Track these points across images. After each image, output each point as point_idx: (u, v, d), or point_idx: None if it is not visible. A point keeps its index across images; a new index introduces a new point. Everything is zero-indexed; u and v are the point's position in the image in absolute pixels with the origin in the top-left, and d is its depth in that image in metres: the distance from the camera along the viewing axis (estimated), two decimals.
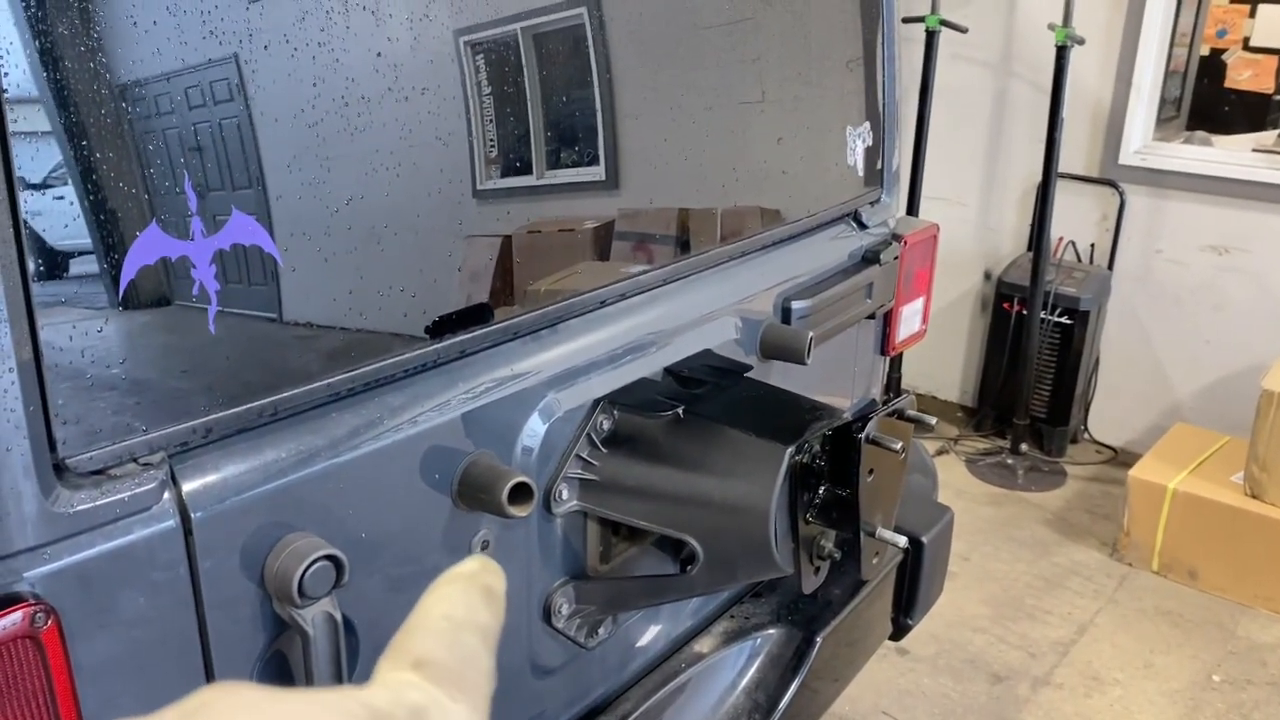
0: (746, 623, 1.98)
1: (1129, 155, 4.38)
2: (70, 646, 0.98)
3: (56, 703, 0.98)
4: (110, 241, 0.98)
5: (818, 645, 1.94)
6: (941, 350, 5.03)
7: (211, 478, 1.09)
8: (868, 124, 2.07)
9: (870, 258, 2.11)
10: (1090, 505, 4.23)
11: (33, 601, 0.95)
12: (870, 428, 1.37)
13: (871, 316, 2.17)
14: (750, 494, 1.40)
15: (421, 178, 1.24)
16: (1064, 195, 4.47)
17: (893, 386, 4.94)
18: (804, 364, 1.79)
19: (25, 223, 0.91)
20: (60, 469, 0.98)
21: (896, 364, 4.93)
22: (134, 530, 1.03)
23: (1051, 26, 4.02)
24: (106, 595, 1.02)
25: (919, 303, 2.37)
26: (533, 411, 1.42)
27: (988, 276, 4.82)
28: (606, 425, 1.50)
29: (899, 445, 1.38)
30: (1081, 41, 3.93)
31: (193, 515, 1.07)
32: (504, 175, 1.36)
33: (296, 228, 1.12)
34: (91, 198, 0.96)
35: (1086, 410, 4.71)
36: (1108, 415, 4.68)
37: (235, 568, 1.12)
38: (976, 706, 3.12)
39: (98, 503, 1.00)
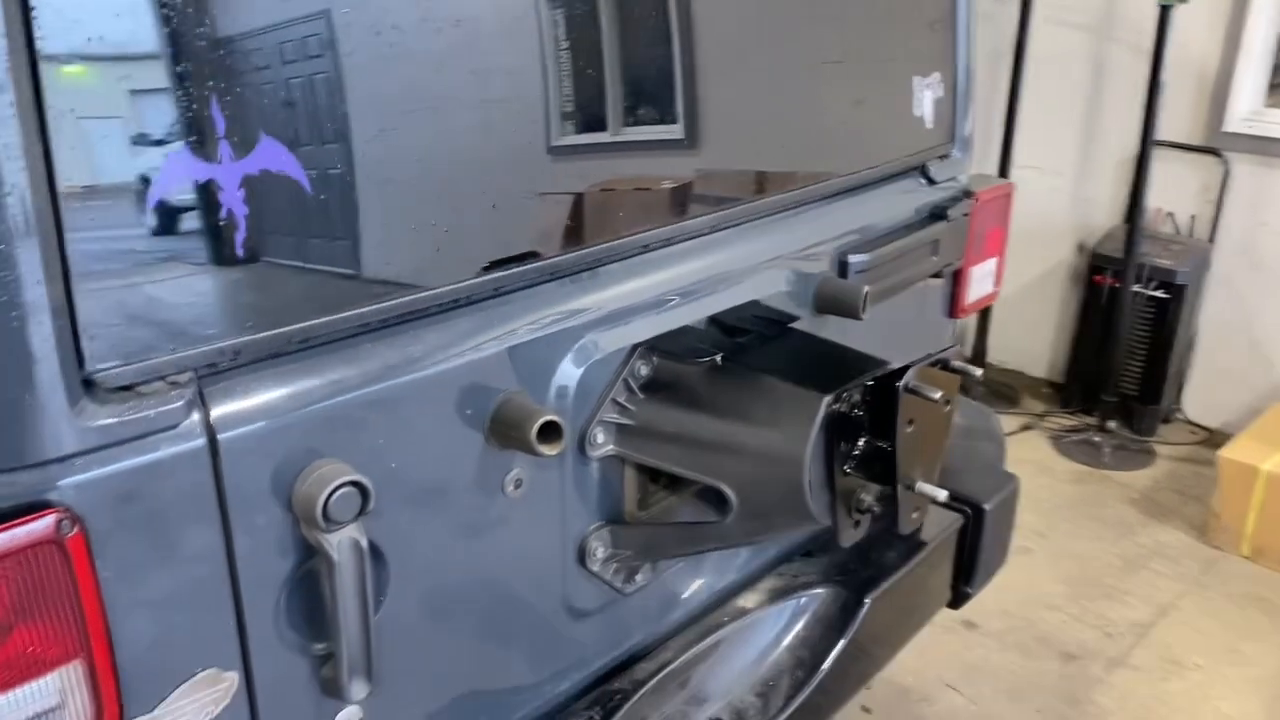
0: (794, 581, 1.96)
1: (1235, 122, 4.17)
2: (96, 555, 1.01)
3: (82, 608, 1.01)
4: (140, 161, 1.00)
5: (866, 607, 1.90)
6: (1031, 325, 4.89)
7: (240, 400, 1.11)
8: (938, 74, 2.01)
9: (938, 214, 2.05)
10: (1180, 486, 4.08)
11: (59, 510, 0.98)
12: (909, 376, 1.33)
13: (938, 275, 2.11)
14: (785, 442, 1.37)
15: (461, 113, 1.24)
16: (1163, 164, 4.29)
17: (978, 359, 4.82)
18: (859, 319, 1.75)
19: (54, 140, 0.93)
20: (88, 383, 1.00)
21: (982, 336, 4.80)
22: (160, 447, 1.06)
23: None
24: (133, 509, 1.04)
25: (991, 264, 2.29)
26: (569, 354, 1.42)
27: (1081, 249, 4.65)
28: (645, 371, 1.49)
29: (939, 395, 1.34)
30: (1185, 0, 3.74)
31: (220, 436, 1.09)
32: (548, 115, 1.35)
33: (331, 159, 1.13)
34: (121, 118, 0.98)
35: (1180, 389, 4.53)
36: (1204, 395, 4.49)
37: (262, 490, 1.14)
38: (1046, 685, 3.04)
39: (125, 418, 1.02)
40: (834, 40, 1.78)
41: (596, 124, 1.42)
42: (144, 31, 0.98)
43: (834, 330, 1.78)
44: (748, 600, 1.90)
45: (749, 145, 1.66)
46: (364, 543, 1.19)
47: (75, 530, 0.99)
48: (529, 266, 1.35)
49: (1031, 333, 4.91)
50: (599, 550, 1.55)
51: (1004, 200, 2.25)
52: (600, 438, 1.48)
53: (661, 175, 1.53)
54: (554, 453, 1.31)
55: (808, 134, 1.76)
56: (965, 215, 2.11)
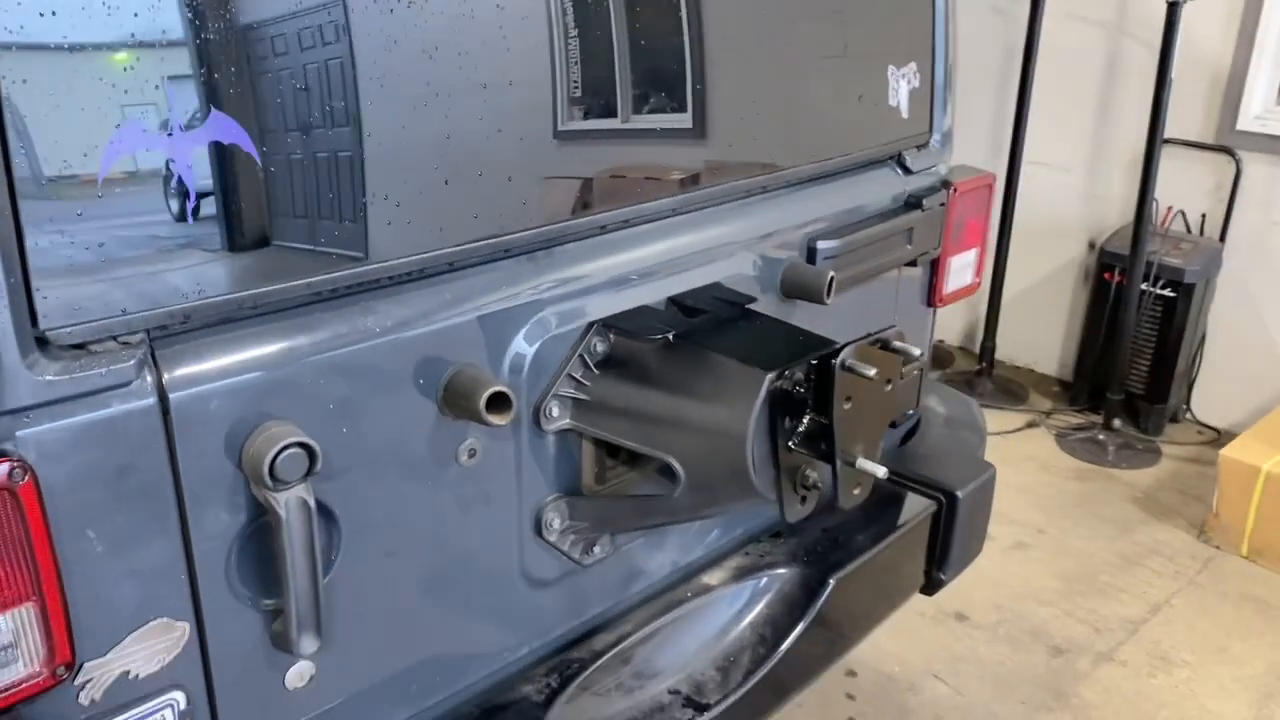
0: (761, 560, 2.00)
1: (1248, 121, 4.15)
2: (47, 503, 1.07)
3: (34, 553, 1.08)
4: (91, 131, 1.05)
5: (830, 587, 1.94)
6: (1042, 322, 4.89)
7: (192, 362, 1.17)
8: (914, 64, 2.03)
9: (913, 203, 2.08)
10: (1183, 486, 4.06)
11: (11, 459, 1.04)
12: (845, 354, 1.37)
13: (913, 264, 2.13)
14: (730, 418, 1.41)
15: (415, 92, 1.29)
16: (1174, 162, 4.28)
17: (986, 356, 4.82)
18: (824, 303, 1.79)
19: (6, 107, 0.99)
20: (41, 340, 1.06)
21: (991, 333, 4.80)
22: (112, 404, 1.12)
23: None
24: (84, 461, 1.10)
25: (971, 254, 2.32)
26: (524, 329, 1.47)
27: (1092, 246, 4.64)
28: (600, 347, 1.54)
29: (873, 372, 1.37)
30: None
31: (171, 395, 1.15)
32: (509, 95, 1.39)
33: (280, 134, 1.18)
34: (72, 87, 1.04)
35: (1190, 388, 4.51)
36: (1213, 395, 4.47)
37: (213, 449, 1.20)
38: (1031, 677, 3.05)
39: (76, 375, 1.08)
40: (805, 29, 1.81)
41: (560, 106, 1.46)
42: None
43: (809, 316, 1.82)
44: (712, 577, 1.94)
45: (713, 132, 1.70)
46: (312, 502, 1.24)
47: (27, 478, 1.05)
48: (482, 243, 1.40)
49: (1042, 330, 4.90)
50: (555, 521, 1.59)
51: (984, 191, 2.27)
52: (555, 411, 1.53)
53: (621, 159, 1.57)
54: (503, 422, 1.36)
55: (775, 121, 1.79)
56: (942, 205, 2.13)
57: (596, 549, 1.67)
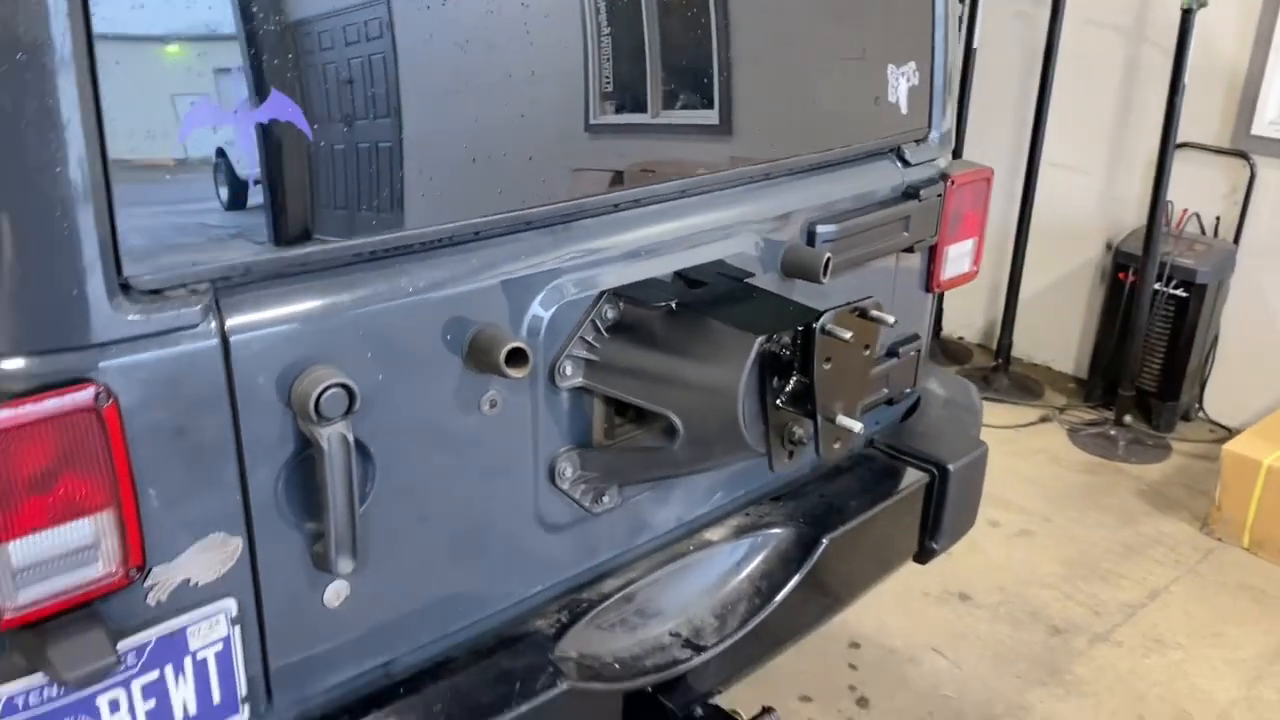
0: (760, 520, 2.16)
1: (1263, 125, 4.25)
2: (126, 424, 1.25)
3: (114, 467, 1.25)
4: (171, 105, 1.24)
5: (823, 545, 2.10)
6: (1059, 321, 5.00)
7: (250, 310, 1.35)
8: (913, 63, 2.18)
9: (910, 193, 2.23)
10: (1190, 481, 4.17)
11: (97, 385, 1.22)
12: (825, 319, 1.52)
13: (911, 250, 2.28)
14: (723, 377, 1.57)
15: (448, 79, 1.46)
16: (1190, 166, 4.38)
17: (1002, 352, 4.94)
18: (820, 283, 1.94)
19: (102, 86, 1.17)
20: (125, 286, 1.24)
21: (1008, 330, 4.92)
22: (182, 343, 1.30)
23: None
24: (158, 391, 1.28)
25: (969, 244, 2.46)
26: (541, 295, 1.63)
27: (1109, 247, 4.75)
28: (610, 314, 1.70)
29: (849, 335, 1.53)
30: (1204, 4, 3.83)
31: (231, 338, 1.33)
32: (538, 82, 1.56)
33: (330, 113, 1.36)
34: (152, 69, 1.22)
35: (1203, 387, 4.60)
36: (1225, 394, 4.56)
37: (266, 386, 1.38)
38: (1028, 654, 3.18)
39: (152, 316, 1.26)
40: (809, 29, 1.97)
41: (584, 97, 1.63)
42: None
43: (813, 298, 1.95)
44: (714, 534, 2.10)
45: (720, 123, 1.86)
46: (351, 438, 1.41)
47: (110, 403, 1.23)
48: (504, 216, 1.57)
49: (1059, 329, 5.01)
50: (567, 470, 1.76)
51: (982, 185, 2.41)
52: (569, 370, 1.69)
53: (635, 146, 1.74)
54: (520, 375, 1.53)
55: (779, 114, 1.95)
56: (938, 196, 2.28)
57: (605, 499, 1.84)
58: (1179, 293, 4.34)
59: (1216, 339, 4.53)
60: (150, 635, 1.36)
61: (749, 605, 2.04)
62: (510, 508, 1.73)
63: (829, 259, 1.94)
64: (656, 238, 1.78)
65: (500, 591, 1.77)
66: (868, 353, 1.62)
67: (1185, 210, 4.49)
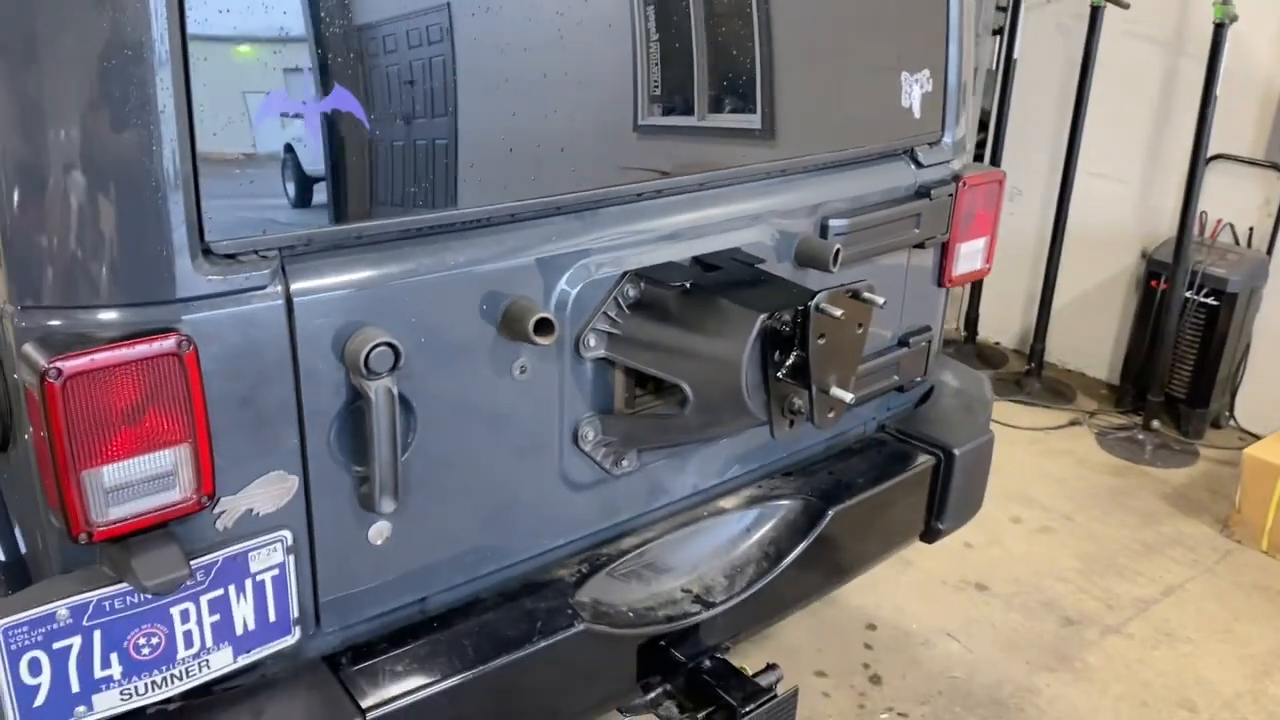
0: (772, 492, 2.33)
1: None
2: (204, 369, 1.46)
3: (192, 406, 1.46)
4: (249, 97, 1.44)
5: (829, 517, 2.26)
6: (1095, 328, 5.08)
7: (312, 276, 1.55)
8: (927, 71, 2.34)
9: (922, 192, 2.38)
10: (1215, 485, 4.24)
11: (180, 334, 1.43)
12: (819, 298, 1.69)
13: (921, 245, 2.43)
14: (729, 349, 1.75)
15: (487, 80, 1.65)
16: (1225, 177, 4.46)
17: (1035, 357, 5.04)
18: (830, 272, 2.10)
19: (194, 79, 1.38)
20: (206, 250, 1.45)
21: (1041, 335, 5.02)
22: (253, 301, 1.50)
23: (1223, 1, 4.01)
24: (231, 342, 1.49)
25: (980, 242, 2.60)
26: (569, 273, 1.82)
27: (1144, 255, 4.83)
28: (632, 293, 1.88)
29: (839, 313, 1.69)
30: (1234, 18, 3.92)
31: (295, 299, 1.54)
32: (572, 81, 1.74)
33: (387, 106, 1.56)
34: (234, 65, 1.43)
35: (1234, 395, 4.67)
36: (1256, 402, 4.62)
37: (323, 342, 1.58)
38: (1039, 643, 3.30)
39: (228, 276, 1.47)
40: (825, 36, 2.14)
41: (629, 99, 1.82)
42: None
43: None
44: (728, 503, 2.28)
45: (737, 124, 2.03)
46: (395, 392, 1.61)
47: (190, 349, 1.44)
48: (537, 201, 1.76)
49: (1095, 335, 5.09)
50: (590, 434, 1.95)
51: (994, 187, 2.56)
52: (592, 342, 1.88)
53: (657, 141, 1.92)
54: (546, 342, 1.72)
55: (794, 116, 2.12)
56: (950, 196, 2.43)
57: (625, 462, 2.02)
58: (1210, 301, 4.42)
59: (1248, 348, 4.60)
60: (218, 556, 1.57)
61: (757, 568, 2.20)
62: (537, 465, 1.92)
63: (838, 249, 2.11)
64: (676, 226, 1.96)
65: (527, 541, 1.96)
66: (860, 331, 1.79)
67: (1219, 220, 4.56)
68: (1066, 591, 3.56)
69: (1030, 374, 5.03)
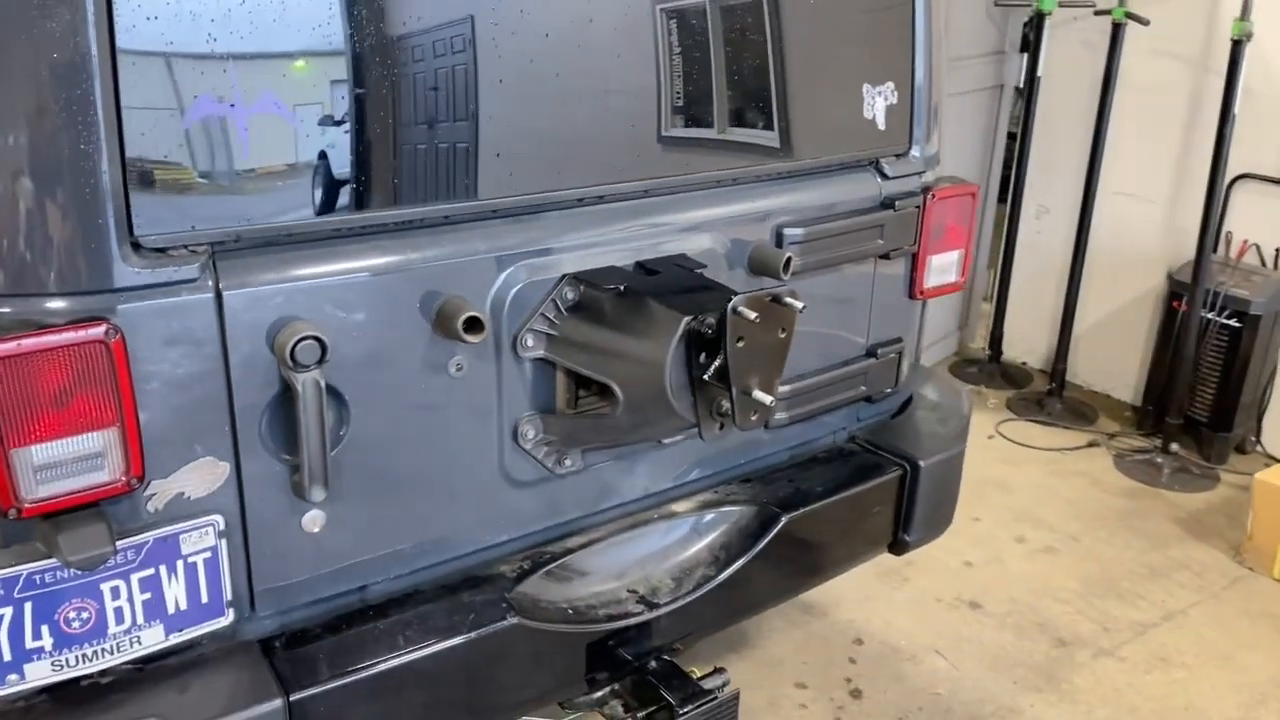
0: (726, 497, 2.35)
1: None
2: (131, 356, 1.54)
3: (119, 391, 1.54)
4: (177, 100, 1.52)
5: (781, 523, 2.28)
6: (1120, 349, 5.00)
7: (241, 271, 1.63)
8: (891, 84, 2.35)
9: (886, 203, 2.40)
10: (1232, 511, 4.14)
11: (108, 322, 1.51)
12: (735, 301, 1.72)
13: (886, 257, 2.44)
14: (653, 350, 1.79)
15: (421, 77, 1.72)
16: (1253, 197, 4.38)
17: (1056, 378, 4.98)
18: (780, 279, 2.13)
19: (121, 87, 1.46)
20: (135, 244, 1.53)
21: (1062, 356, 4.96)
22: (182, 294, 1.58)
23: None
24: (160, 332, 1.57)
25: (954, 255, 2.60)
26: (505, 275, 1.87)
27: (1169, 276, 4.75)
28: (570, 295, 1.93)
29: (754, 316, 1.71)
30: (1250, 36, 3.86)
31: (224, 293, 1.61)
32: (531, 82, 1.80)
33: (314, 105, 1.63)
34: (162, 76, 1.51)
35: (1260, 419, 4.56)
36: None
37: (253, 334, 1.65)
38: (1028, 662, 3.26)
39: (157, 269, 1.55)
40: (781, 45, 2.16)
41: (563, 102, 1.87)
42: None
43: (800, 296, 2.11)
44: (680, 506, 2.30)
45: (689, 131, 2.07)
46: (322, 384, 1.67)
47: (117, 338, 1.52)
48: (471, 204, 1.82)
49: (1120, 357, 5.01)
50: (530, 433, 1.99)
51: (965, 199, 2.56)
52: (530, 342, 1.93)
53: (600, 146, 1.96)
54: (476, 340, 1.77)
55: (746, 125, 2.15)
56: (916, 207, 2.44)
57: (568, 461, 2.06)
58: (1232, 323, 4.33)
59: (1275, 371, 4.49)
60: (148, 537, 1.65)
61: (705, 572, 2.23)
62: (476, 462, 1.97)
63: (789, 258, 2.13)
64: (617, 231, 2.00)
65: (467, 536, 2.01)
66: (784, 335, 1.81)
67: (1245, 241, 4.47)
68: (1063, 612, 3.51)
69: (1051, 394, 4.96)
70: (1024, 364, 5.45)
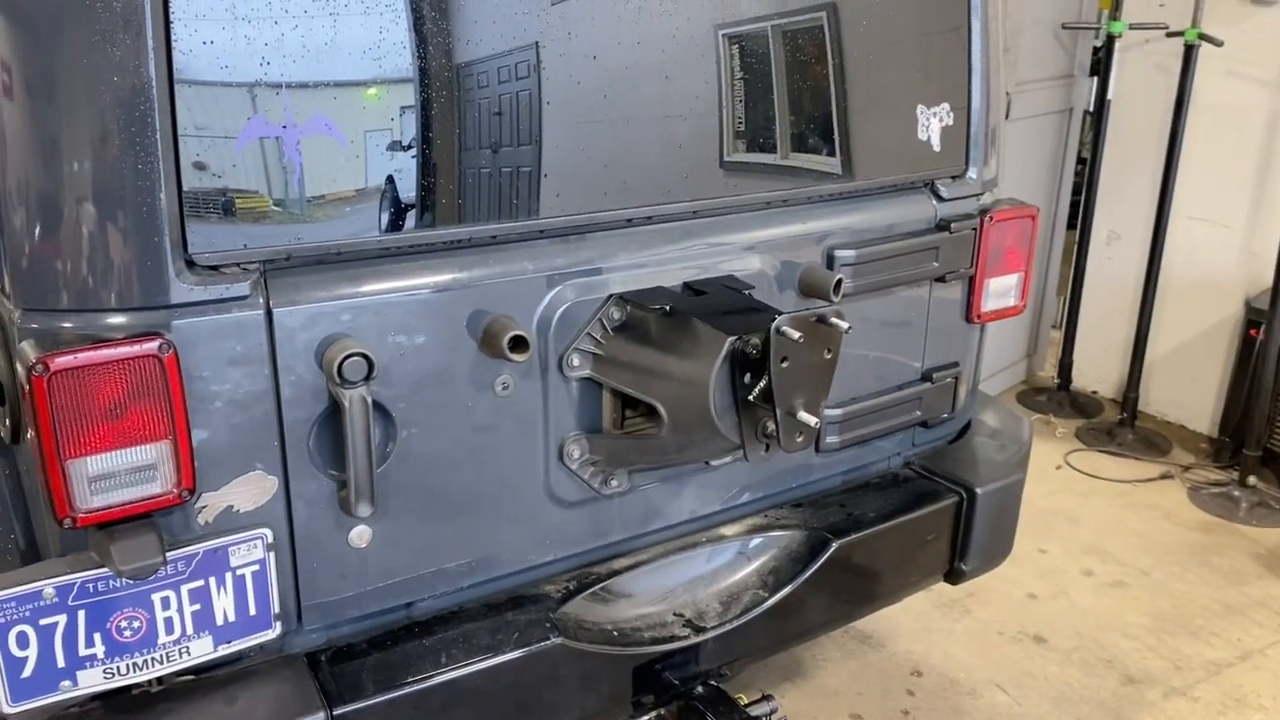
0: (776, 521, 2.32)
1: None
2: (184, 371, 1.57)
3: (172, 405, 1.57)
4: (231, 122, 1.56)
5: (831, 549, 2.24)
6: (1195, 378, 4.86)
7: (291, 288, 1.66)
8: (946, 105, 2.33)
9: (941, 225, 2.36)
10: None
11: (162, 337, 1.55)
12: (779, 321, 1.70)
13: (942, 279, 2.41)
14: (698, 370, 1.78)
15: (468, 110, 1.74)
16: None
17: (1128, 407, 4.85)
18: (830, 301, 2.11)
19: (177, 111, 1.51)
20: (190, 262, 1.57)
21: (1134, 384, 4.83)
22: (234, 310, 1.62)
23: None
24: (212, 347, 1.60)
25: (1013, 279, 2.55)
26: (553, 294, 1.88)
27: (1247, 303, 4.60)
28: (617, 315, 1.93)
29: (798, 335, 1.70)
30: None
31: (274, 309, 1.64)
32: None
33: (363, 128, 1.66)
34: (214, 98, 1.55)
35: None
36: None
37: (302, 351, 1.68)
38: (1095, 700, 3.16)
39: (210, 286, 1.59)
40: (836, 68, 2.16)
41: (618, 124, 1.89)
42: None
43: (857, 322, 2.09)
44: (729, 530, 2.28)
45: (739, 154, 2.07)
46: (369, 400, 1.70)
47: (170, 353, 1.56)
48: (518, 224, 1.83)
49: (1196, 386, 4.87)
50: (576, 452, 1.99)
51: (1025, 222, 2.51)
52: (576, 361, 1.93)
53: (651, 166, 1.97)
54: (521, 359, 1.78)
55: (797, 147, 2.14)
56: (972, 230, 2.40)
57: (614, 482, 2.05)
58: None
59: None
60: (199, 548, 1.68)
61: (753, 597, 2.20)
62: (522, 481, 1.97)
63: (839, 280, 2.11)
64: (665, 252, 2.01)
65: (512, 555, 2.01)
66: (829, 356, 1.79)
67: None
68: (1132, 649, 3.40)
69: (1122, 424, 4.83)
70: (1094, 393, 5.32)
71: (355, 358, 1.66)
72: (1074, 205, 5.32)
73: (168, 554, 1.62)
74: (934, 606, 3.50)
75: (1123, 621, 3.53)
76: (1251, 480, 4.29)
